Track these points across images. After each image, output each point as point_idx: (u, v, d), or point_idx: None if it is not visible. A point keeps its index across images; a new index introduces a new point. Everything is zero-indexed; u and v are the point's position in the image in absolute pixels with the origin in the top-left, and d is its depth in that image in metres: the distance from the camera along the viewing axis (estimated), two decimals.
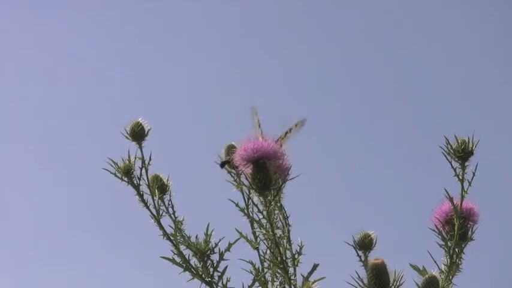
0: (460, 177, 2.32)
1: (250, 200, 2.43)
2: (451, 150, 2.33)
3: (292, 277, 2.29)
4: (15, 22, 5.70)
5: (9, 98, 5.72)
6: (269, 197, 2.23)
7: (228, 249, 2.44)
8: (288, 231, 2.35)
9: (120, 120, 2.56)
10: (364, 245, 2.46)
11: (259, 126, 2.35)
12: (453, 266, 2.30)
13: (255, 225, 2.38)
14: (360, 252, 2.46)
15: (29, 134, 5.62)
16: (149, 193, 2.49)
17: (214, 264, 2.44)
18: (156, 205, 2.49)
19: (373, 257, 2.32)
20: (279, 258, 2.27)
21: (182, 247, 2.45)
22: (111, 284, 4.66)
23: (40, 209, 5.31)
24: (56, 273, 4.89)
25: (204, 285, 2.43)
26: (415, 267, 2.28)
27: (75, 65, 5.66)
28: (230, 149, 2.42)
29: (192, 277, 2.43)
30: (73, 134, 5.47)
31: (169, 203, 2.51)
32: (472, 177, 2.32)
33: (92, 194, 5.07)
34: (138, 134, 2.50)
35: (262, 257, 2.38)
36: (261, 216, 2.30)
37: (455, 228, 2.32)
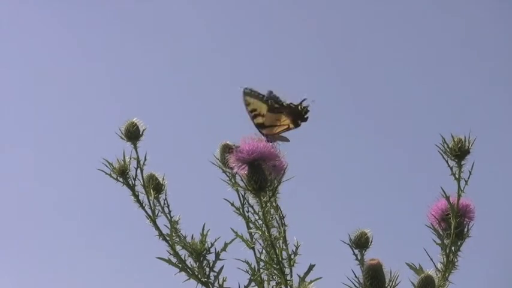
0: (457, 176, 2.31)
1: (245, 200, 2.42)
2: (448, 149, 2.32)
3: (289, 277, 2.28)
4: (13, 22, 5.69)
5: (5, 98, 5.71)
6: (265, 198, 2.22)
7: (224, 249, 2.43)
8: (284, 231, 2.34)
9: (114, 120, 2.55)
10: (360, 243, 2.46)
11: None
12: (449, 265, 2.30)
13: (251, 225, 2.37)
14: (356, 251, 2.46)
15: (25, 134, 5.61)
16: (144, 193, 2.48)
17: (210, 264, 2.43)
18: (152, 205, 2.48)
19: (370, 255, 2.32)
20: (275, 259, 2.26)
21: (178, 247, 2.44)
22: (108, 285, 4.65)
23: (37, 209, 5.30)
24: (55, 273, 4.89)
25: (200, 285, 2.42)
26: (412, 266, 2.27)
27: (69, 65, 5.65)
28: (225, 149, 2.42)
29: (188, 277, 2.42)
30: (68, 134, 5.46)
31: (165, 202, 2.50)
32: (469, 176, 2.31)
33: (87, 194, 5.06)
34: (133, 134, 2.49)
35: (258, 257, 2.37)
36: (256, 217, 2.30)
37: (452, 227, 2.31)
